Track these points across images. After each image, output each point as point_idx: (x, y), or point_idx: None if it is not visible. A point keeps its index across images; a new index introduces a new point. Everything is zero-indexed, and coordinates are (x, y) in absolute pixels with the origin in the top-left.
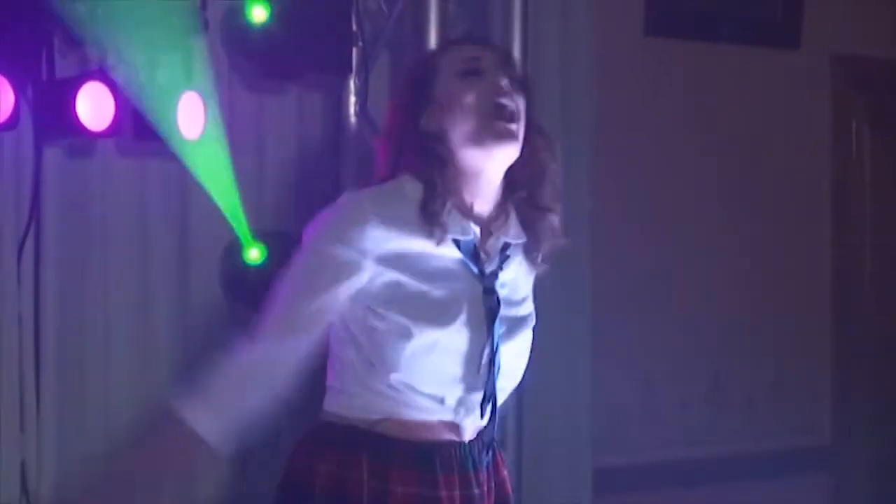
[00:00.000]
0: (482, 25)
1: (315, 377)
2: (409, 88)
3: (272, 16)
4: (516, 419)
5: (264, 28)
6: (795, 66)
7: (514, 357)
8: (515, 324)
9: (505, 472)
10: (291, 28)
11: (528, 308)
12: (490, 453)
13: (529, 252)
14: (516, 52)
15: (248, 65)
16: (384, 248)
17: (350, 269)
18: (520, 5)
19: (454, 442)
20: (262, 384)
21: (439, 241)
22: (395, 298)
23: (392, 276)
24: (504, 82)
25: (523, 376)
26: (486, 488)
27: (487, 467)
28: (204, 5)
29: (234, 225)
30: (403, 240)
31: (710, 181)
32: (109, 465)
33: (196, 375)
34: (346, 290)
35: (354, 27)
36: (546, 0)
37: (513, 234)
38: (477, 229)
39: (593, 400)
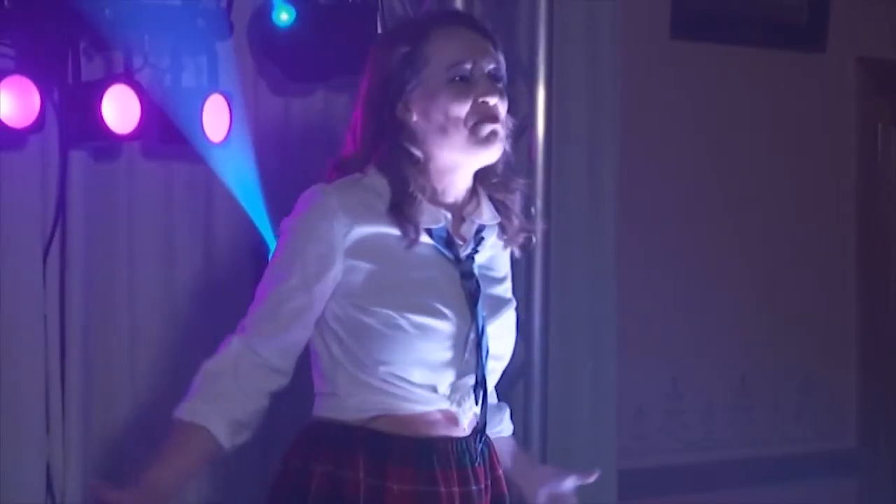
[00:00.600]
0: (507, 28)
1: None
2: (392, 70)
3: (297, 18)
4: (540, 421)
5: (290, 31)
6: (821, 70)
7: (500, 337)
8: (498, 304)
9: (500, 471)
10: (317, 30)
11: (508, 286)
12: (484, 445)
13: (505, 232)
14: (541, 55)
15: (274, 67)
16: (354, 240)
17: (324, 263)
18: (545, 8)
19: (451, 437)
20: (253, 380)
21: (412, 241)
22: (375, 290)
23: (367, 267)
24: (493, 98)
25: (549, 374)
26: (483, 485)
27: (483, 463)
28: (229, 8)
29: (260, 227)
30: (374, 230)
31: (736, 184)
32: (134, 481)
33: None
34: (323, 286)
35: (379, 29)
36: (572, 3)
37: (487, 216)
38: (448, 215)
39: (619, 402)
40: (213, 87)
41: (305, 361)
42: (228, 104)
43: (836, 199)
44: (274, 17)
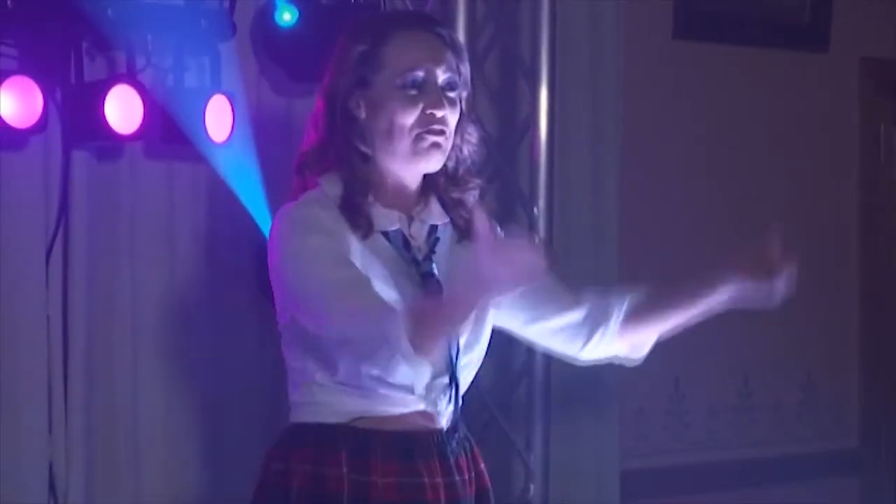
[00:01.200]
0: (510, 28)
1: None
2: (347, 67)
3: (300, 19)
4: (543, 421)
5: (292, 31)
6: (823, 70)
7: (472, 332)
8: None
9: (482, 465)
10: (319, 31)
11: None
12: (465, 440)
13: (458, 227)
14: (544, 55)
15: (277, 68)
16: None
17: (340, 242)
18: (548, 8)
19: (431, 429)
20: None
21: (365, 234)
22: None
23: None
24: (441, 111)
25: (552, 374)
26: (466, 476)
27: (466, 455)
28: (232, 8)
29: (262, 228)
30: (339, 236)
31: (738, 184)
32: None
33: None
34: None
35: None
36: (574, 3)
37: (436, 215)
38: (402, 216)
39: (620, 403)
40: (216, 88)
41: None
42: (231, 104)
43: (838, 200)
44: (276, 17)
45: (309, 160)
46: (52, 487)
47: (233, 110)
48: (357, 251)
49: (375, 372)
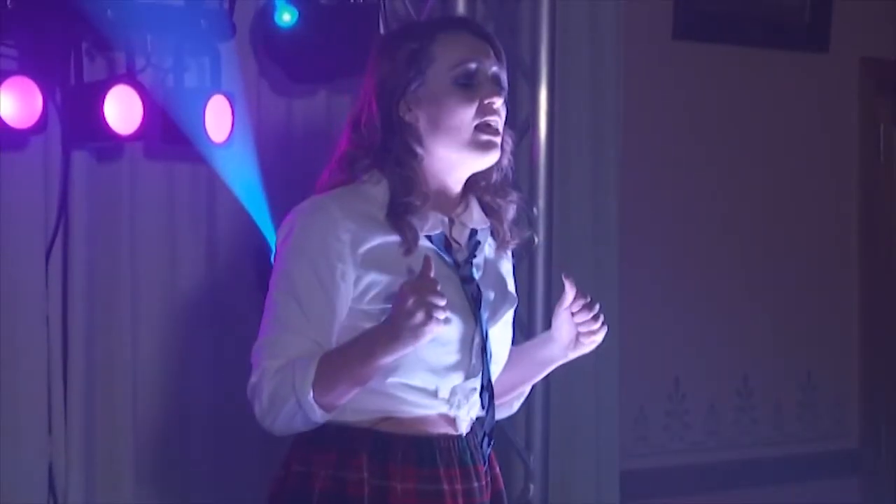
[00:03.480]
0: (510, 29)
1: None
2: (399, 67)
3: (300, 19)
4: (543, 421)
5: (292, 31)
6: (823, 70)
7: (502, 341)
8: (498, 305)
9: (497, 469)
10: (319, 31)
11: (508, 287)
12: (490, 444)
13: (496, 236)
14: (544, 56)
15: (276, 68)
16: (360, 249)
17: (340, 276)
18: (548, 9)
19: (451, 435)
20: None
21: (410, 247)
22: (383, 300)
23: (374, 278)
24: (497, 101)
25: (551, 374)
26: (484, 482)
27: (483, 461)
28: (232, 9)
29: (262, 228)
30: (377, 238)
31: (738, 184)
32: None
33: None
34: (343, 293)
35: (382, 30)
36: (574, 4)
37: (476, 220)
38: (446, 220)
39: (620, 403)
40: (216, 88)
41: None
42: (231, 105)
43: (838, 200)
44: (276, 17)
45: (353, 159)
46: (51, 487)
47: (232, 111)
48: (391, 255)
49: (401, 377)
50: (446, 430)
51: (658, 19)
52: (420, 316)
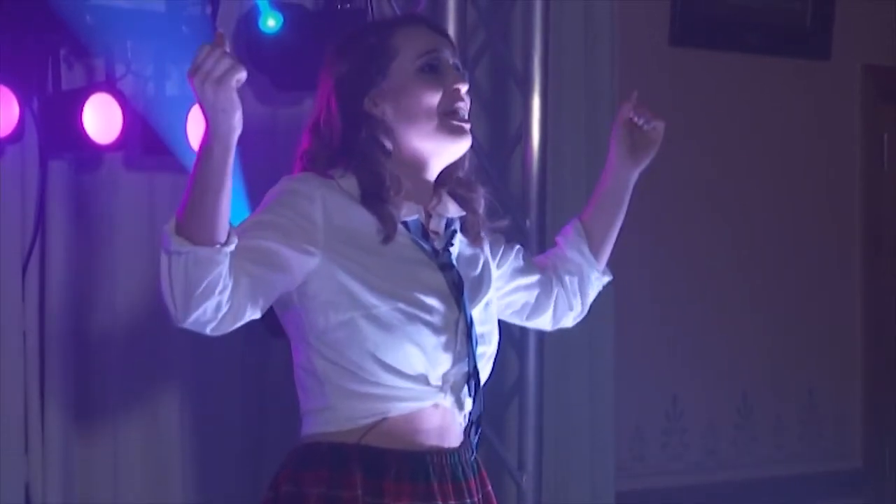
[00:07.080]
0: (502, 33)
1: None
2: (359, 63)
3: (285, 25)
4: (535, 441)
5: (277, 38)
6: (825, 77)
7: (486, 322)
8: (476, 287)
9: (489, 487)
10: (305, 38)
11: (486, 266)
12: (477, 432)
13: (470, 226)
14: (537, 63)
15: (261, 76)
16: (333, 231)
17: (304, 236)
18: (541, 13)
19: (444, 449)
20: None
21: (389, 234)
22: (361, 287)
23: (348, 264)
24: (464, 88)
25: (545, 391)
26: (476, 499)
27: (475, 476)
28: (215, 15)
29: None
30: (352, 225)
31: (738, 194)
32: None
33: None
34: (299, 259)
35: None
36: (569, 9)
37: (452, 210)
38: (421, 209)
39: (617, 422)
40: None
41: (289, 378)
42: None
43: (840, 208)
44: (261, 23)
45: (317, 157)
46: None
47: None
48: (367, 242)
49: (389, 361)
50: (439, 439)
51: (654, 25)
52: (218, 66)
